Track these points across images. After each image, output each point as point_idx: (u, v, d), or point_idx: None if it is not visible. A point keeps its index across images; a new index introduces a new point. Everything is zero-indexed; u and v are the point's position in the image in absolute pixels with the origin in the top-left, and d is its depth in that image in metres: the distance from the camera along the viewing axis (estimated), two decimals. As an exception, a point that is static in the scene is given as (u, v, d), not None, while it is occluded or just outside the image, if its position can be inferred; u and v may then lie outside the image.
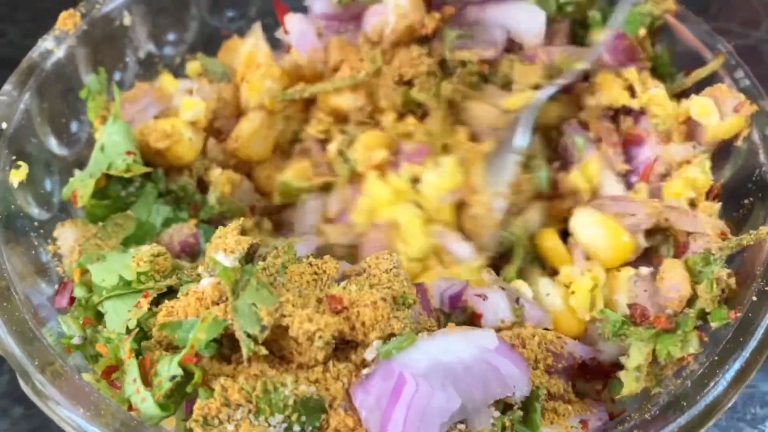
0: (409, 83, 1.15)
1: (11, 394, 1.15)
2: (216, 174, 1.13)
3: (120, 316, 0.85)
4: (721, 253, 0.94)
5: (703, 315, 0.91)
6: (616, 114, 1.14)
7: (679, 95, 1.13)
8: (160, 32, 1.26)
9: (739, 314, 0.88)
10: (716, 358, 0.84)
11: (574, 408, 0.90)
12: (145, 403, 0.77)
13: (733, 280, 0.92)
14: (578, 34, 1.22)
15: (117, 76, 1.21)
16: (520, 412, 0.83)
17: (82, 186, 1.01)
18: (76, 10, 1.13)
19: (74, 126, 1.13)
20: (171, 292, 0.88)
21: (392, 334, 0.81)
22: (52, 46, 1.09)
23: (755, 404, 1.18)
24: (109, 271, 0.87)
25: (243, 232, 0.93)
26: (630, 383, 0.91)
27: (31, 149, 1.04)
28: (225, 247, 0.87)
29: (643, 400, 0.91)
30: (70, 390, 0.79)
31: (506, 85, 1.15)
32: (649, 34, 1.16)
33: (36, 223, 1.02)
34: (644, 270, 0.97)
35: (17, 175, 1.00)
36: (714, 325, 0.90)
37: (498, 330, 0.90)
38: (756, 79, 1.10)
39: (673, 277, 0.92)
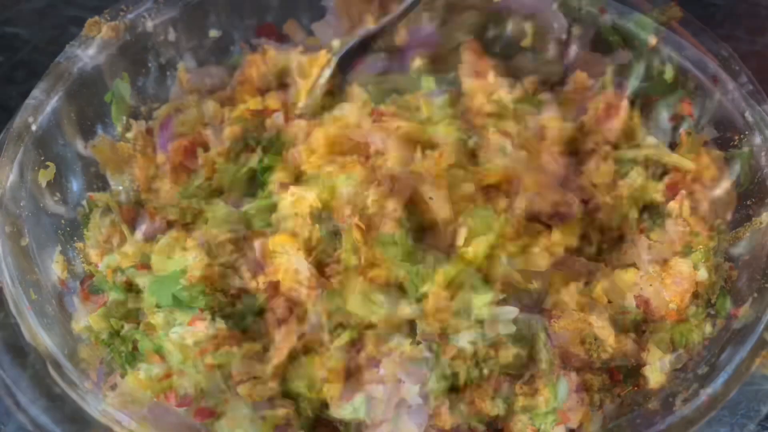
0: None
1: (36, 387, 1.19)
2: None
3: (173, 327, 0.87)
4: (719, 247, 0.96)
5: (710, 305, 0.94)
6: None
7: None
8: (180, 39, 1.30)
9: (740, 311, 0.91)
10: (717, 352, 0.87)
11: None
12: None
13: (735, 272, 0.95)
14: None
15: (139, 81, 1.26)
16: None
17: None
18: (101, 18, 1.18)
19: (99, 129, 1.16)
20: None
21: None
22: (79, 52, 1.13)
23: (760, 402, 1.19)
24: (163, 289, 0.88)
25: None
26: (657, 376, 0.92)
27: (59, 150, 1.08)
28: None
29: (648, 394, 0.94)
30: (98, 378, 0.83)
31: None
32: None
33: (62, 221, 1.06)
34: (653, 266, 1.00)
35: (45, 175, 1.03)
36: (719, 317, 0.93)
37: None
38: (760, 85, 1.13)
39: (678, 273, 0.95)
